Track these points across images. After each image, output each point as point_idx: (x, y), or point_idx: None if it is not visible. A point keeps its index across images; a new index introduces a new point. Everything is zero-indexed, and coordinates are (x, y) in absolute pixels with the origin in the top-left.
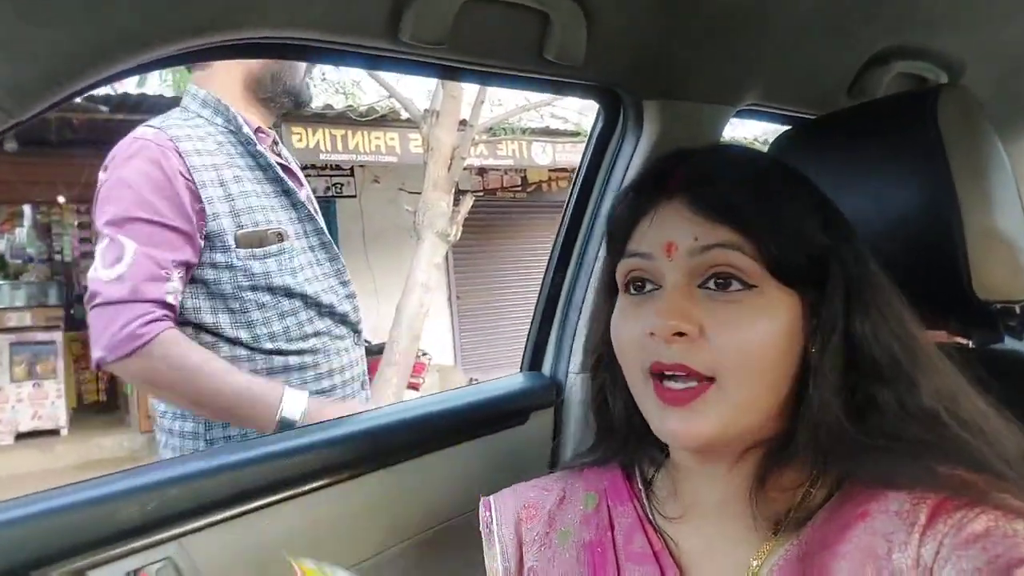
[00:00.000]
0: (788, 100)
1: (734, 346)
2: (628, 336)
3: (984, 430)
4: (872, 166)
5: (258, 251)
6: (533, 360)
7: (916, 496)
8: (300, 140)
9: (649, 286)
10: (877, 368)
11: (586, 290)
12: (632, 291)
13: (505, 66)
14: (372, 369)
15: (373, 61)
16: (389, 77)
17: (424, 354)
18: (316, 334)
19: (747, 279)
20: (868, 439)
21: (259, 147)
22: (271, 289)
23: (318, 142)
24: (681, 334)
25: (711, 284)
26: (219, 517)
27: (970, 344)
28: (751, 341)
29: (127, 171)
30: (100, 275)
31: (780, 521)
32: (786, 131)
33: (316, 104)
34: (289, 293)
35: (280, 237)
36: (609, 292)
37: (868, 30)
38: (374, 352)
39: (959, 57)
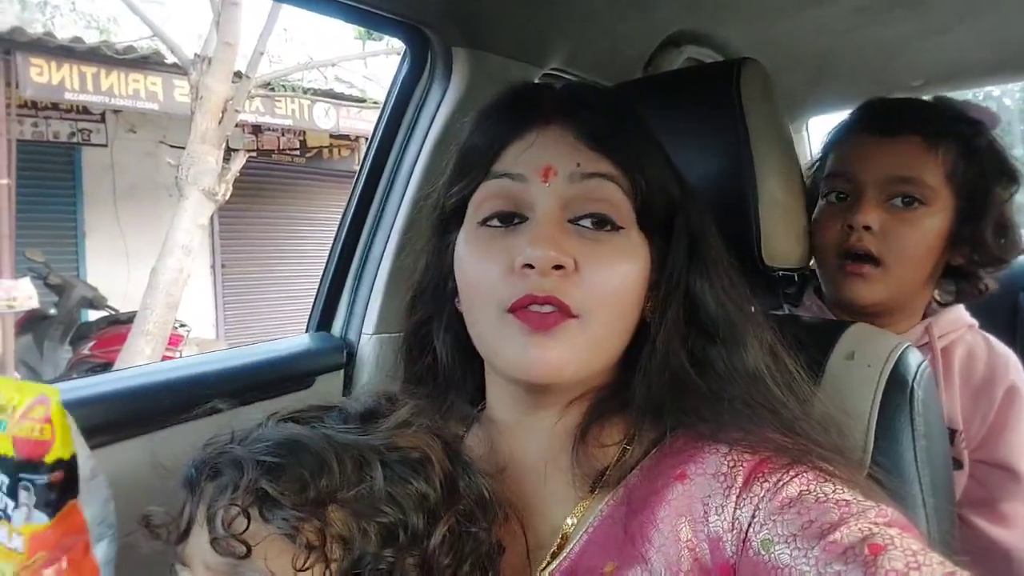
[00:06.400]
0: (589, 69)
1: (603, 284)
2: (486, 271)
3: (794, 391)
4: (677, 133)
5: None
6: (322, 320)
7: (733, 458)
8: (40, 74)
9: (516, 219)
10: (713, 327)
11: (386, 243)
12: (495, 223)
13: None
14: (121, 339)
15: None
16: (154, 15)
17: (182, 325)
18: None
19: (618, 220)
20: (709, 389)
21: None
22: None
23: (63, 79)
24: (559, 267)
25: (586, 222)
26: None
27: (753, 309)
28: (618, 282)
29: None
30: None
31: (598, 479)
32: None
33: (63, 35)
34: None
35: None
36: (444, 226)
37: (665, 10)
38: (123, 322)
39: (738, 47)
